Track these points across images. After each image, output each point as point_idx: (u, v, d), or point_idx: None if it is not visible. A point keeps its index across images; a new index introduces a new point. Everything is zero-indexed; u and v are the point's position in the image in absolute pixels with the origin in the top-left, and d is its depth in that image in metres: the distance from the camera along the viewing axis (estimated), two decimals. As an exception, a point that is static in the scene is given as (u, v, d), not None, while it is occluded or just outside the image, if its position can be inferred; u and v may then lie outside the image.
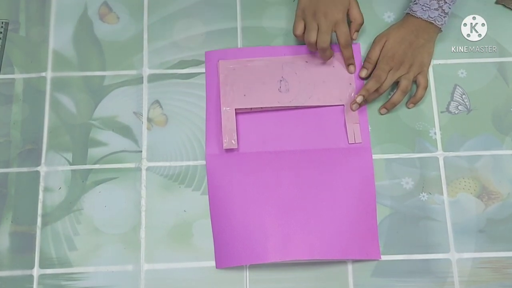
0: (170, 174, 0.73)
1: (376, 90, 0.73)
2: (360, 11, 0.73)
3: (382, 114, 0.76)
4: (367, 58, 0.76)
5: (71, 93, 0.77)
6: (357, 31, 0.75)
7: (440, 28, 0.74)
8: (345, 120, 0.75)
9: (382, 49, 0.75)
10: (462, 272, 0.70)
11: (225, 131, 0.73)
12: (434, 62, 0.78)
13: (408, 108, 0.76)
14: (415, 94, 0.75)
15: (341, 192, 0.71)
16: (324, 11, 0.71)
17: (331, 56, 0.74)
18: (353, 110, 0.74)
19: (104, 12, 0.81)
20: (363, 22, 0.74)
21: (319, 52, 0.73)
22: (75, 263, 0.70)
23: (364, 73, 0.75)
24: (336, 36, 0.73)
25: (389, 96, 0.76)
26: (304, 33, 0.73)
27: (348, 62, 0.75)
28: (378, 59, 0.75)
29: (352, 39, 0.75)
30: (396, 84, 0.75)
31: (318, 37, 0.71)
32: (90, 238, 0.71)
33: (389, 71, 0.73)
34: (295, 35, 0.74)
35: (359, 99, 0.73)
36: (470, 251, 0.70)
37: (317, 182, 0.72)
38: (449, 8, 0.73)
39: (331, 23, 0.71)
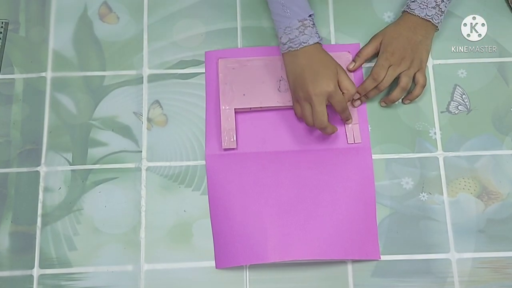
0: (170, 174, 0.73)
1: (376, 87, 0.73)
2: (350, 80, 0.69)
3: (382, 106, 0.76)
4: (358, 53, 0.76)
5: (71, 93, 0.77)
6: (349, 100, 0.70)
7: (437, 26, 0.74)
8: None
9: (379, 47, 0.75)
10: (462, 272, 0.70)
11: (224, 130, 0.73)
12: (434, 62, 0.78)
13: (404, 103, 0.76)
14: (412, 91, 0.75)
15: (340, 192, 0.71)
16: (312, 87, 0.66)
17: (334, 131, 0.70)
18: (355, 107, 0.74)
19: (104, 12, 0.81)
20: (355, 92, 0.70)
21: (319, 130, 0.70)
22: (75, 263, 0.70)
23: (351, 66, 0.76)
24: (332, 105, 0.69)
25: (390, 91, 0.75)
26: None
27: (346, 120, 0.73)
28: (369, 56, 0.76)
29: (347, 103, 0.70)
30: (395, 80, 0.75)
31: (314, 119, 0.68)
32: (90, 238, 0.71)
33: (388, 67, 0.73)
34: (297, 116, 0.73)
35: (355, 96, 0.74)
36: (470, 251, 0.70)
37: (316, 182, 0.72)
38: (445, 7, 0.73)
39: (323, 98, 0.67)
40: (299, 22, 0.68)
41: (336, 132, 0.74)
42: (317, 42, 0.69)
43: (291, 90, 0.71)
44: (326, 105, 0.68)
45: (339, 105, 0.68)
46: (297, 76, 0.69)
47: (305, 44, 0.68)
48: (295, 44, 0.68)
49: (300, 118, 0.72)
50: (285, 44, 0.69)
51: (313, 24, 0.69)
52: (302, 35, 0.68)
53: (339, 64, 0.70)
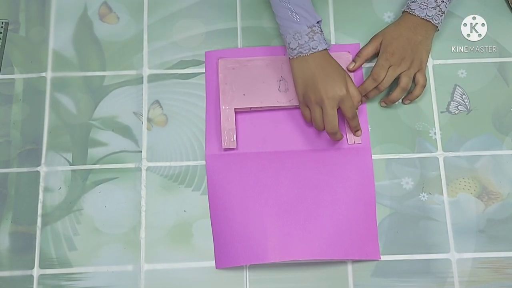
0: (170, 174, 0.73)
1: (376, 87, 0.73)
2: (357, 88, 0.70)
3: (382, 107, 0.76)
4: (358, 53, 0.76)
5: (71, 93, 0.77)
6: (357, 108, 0.71)
7: (437, 26, 0.74)
8: (345, 120, 0.74)
9: (379, 47, 0.75)
10: (462, 272, 0.70)
11: (224, 130, 0.73)
12: (434, 62, 0.78)
13: (404, 104, 0.76)
14: (412, 92, 0.75)
15: (340, 192, 0.71)
16: (325, 91, 0.67)
17: (341, 138, 0.70)
18: None
19: (104, 12, 0.81)
20: (361, 99, 0.71)
21: (328, 135, 0.70)
22: (75, 263, 0.70)
23: (351, 66, 0.76)
24: (341, 110, 0.69)
25: (390, 92, 0.75)
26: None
27: (355, 130, 0.72)
28: (369, 56, 0.76)
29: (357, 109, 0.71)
30: (395, 80, 0.75)
31: (325, 123, 0.68)
32: (90, 238, 0.71)
33: (389, 68, 0.73)
34: (306, 121, 0.72)
35: None
36: (470, 251, 0.70)
37: (316, 182, 0.72)
38: (446, 7, 0.73)
39: (335, 102, 0.67)
40: (308, 28, 0.68)
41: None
42: (325, 49, 0.69)
43: (299, 94, 0.71)
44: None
45: (349, 111, 0.68)
46: (307, 80, 0.69)
47: (314, 50, 0.68)
48: (305, 50, 0.68)
49: (310, 122, 0.72)
50: (294, 49, 0.69)
51: (321, 30, 0.70)
52: (312, 41, 0.68)
53: (346, 72, 0.71)
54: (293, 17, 0.68)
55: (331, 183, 0.72)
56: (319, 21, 0.69)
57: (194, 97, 0.77)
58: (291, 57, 0.70)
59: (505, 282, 0.69)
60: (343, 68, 0.70)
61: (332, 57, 0.70)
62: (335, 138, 0.70)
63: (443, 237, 0.71)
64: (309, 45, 0.68)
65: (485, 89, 0.77)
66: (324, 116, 0.68)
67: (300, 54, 0.69)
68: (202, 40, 0.79)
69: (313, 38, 0.68)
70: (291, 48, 0.70)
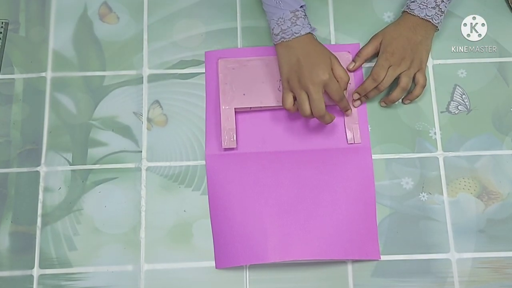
0: (170, 174, 0.74)
1: (376, 87, 0.73)
2: (343, 68, 0.70)
3: (382, 107, 0.76)
4: (358, 53, 0.76)
5: (71, 93, 0.77)
6: (345, 89, 0.71)
7: (437, 26, 0.74)
8: (344, 120, 0.75)
9: (378, 47, 0.75)
10: (462, 272, 0.70)
11: (224, 130, 0.73)
12: (434, 62, 0.78)
13: (404, 103, 0.76)
14: (412, 92, 0.75)
15: (340, 192, 0.71)
16: (309, 76, 0.67)
17: (332, 119, 0.69)
18: (355, 107, 0.75)
19: (104, 12, 0.81)
20: (349, 79, 0.70)
21: (317, 119, 0.69)
22: (75, 263, 0.70)
23: (351, 66, 0.76)
24: (328, 94, 0.69)
25: (390, 91, 0.75)
26: (294, 104, 0.70)
27: (345, 110, 0.73)
28: (369, 56, 0.76)
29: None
30: (395, 80, 0.75)
31: (312, 107, 0.68)
32: (90, 238, 0.71)
33: (388, 68, 0.73)
34: (286, 109, 0.70)
35: (355, 96, 0.75)
36: (470, 251, 0.70)
37: (316, 182, 0.72)
38: (445, 7, 0.73)
39: (320, 87, 0.67)
40: (291, 13, 0.69)
41: (336, 132, 0.74)
42: (309, 33, 0.70)
43: (283, 80, 0.71)
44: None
45: (335, 93, 0.68)
46: (292, 65, 0.69)
47: (297, 35, 0.69)
48: (287, 35, 0.69)
49: (288, 109, 0.71)
50: (277, 35, 0.70)
51: (305, 15, 0.70)
52: (294, 25, 0.69)
53: (332, 53, 0.70)
54: (277, 3, 0.69)
55: (331, 183, 0.72)
56: (302, 5, 0.70)
57: (194, 97, 0.77)
58: (275, 43, 0.71)
59: (505, 282, 0.69)
60: (328, 51, 0.70)
61: (316, 41, 0.70)
62: (324, 121, 0.69)
63: (443, 237, 0.71)
64: (291, 30, 0.69)
65: (485, 89, 0.77)
66: (311, 102, 0.68)
67: (283, 39, 0.69)
68: (202, 40, 0.79)
69: (295, 23, 0.69)
70: (274, 34, 0.70)
